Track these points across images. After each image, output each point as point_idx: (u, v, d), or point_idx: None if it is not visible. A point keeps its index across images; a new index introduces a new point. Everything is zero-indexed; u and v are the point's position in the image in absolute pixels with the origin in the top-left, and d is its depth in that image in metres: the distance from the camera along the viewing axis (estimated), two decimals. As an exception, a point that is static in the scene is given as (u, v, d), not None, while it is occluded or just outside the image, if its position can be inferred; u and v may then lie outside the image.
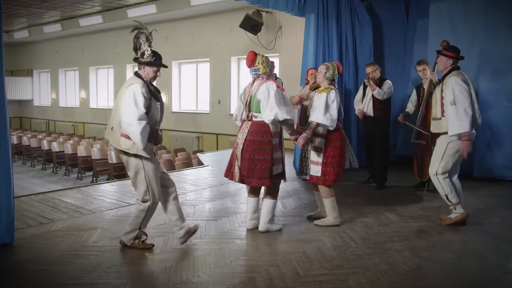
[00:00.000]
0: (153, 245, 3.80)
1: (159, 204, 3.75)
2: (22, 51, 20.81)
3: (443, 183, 4.36)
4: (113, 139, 3.61)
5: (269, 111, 3.90)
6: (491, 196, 5.74)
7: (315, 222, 4.48)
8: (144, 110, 3.44)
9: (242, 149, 4.02)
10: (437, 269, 3.39)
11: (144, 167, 3.58)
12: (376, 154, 6.13)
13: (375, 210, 5.00)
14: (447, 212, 4.54)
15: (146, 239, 3.80)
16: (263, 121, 3.98)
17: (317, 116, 4.21)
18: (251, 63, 4.08)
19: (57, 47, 18.87)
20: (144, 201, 3.65)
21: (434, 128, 4.56)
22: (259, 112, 4.00)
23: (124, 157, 3.64)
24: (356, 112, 6.30)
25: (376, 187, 6.17)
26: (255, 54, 4.11)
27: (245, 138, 4.02)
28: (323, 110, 4.20)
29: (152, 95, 3.57)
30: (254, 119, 4.04)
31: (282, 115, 3.89)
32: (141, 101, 3.43)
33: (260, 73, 4.08)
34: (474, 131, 4.36)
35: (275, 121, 3.95)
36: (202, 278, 3.17)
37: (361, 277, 3.21)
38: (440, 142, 4.43)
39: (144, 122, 3.41)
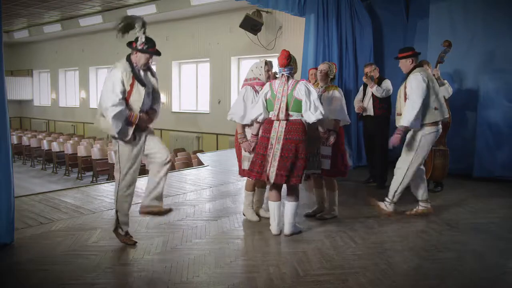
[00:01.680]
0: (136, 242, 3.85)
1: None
2: (22, 51, 20.80)
3: (406, 179, 4.48)
4: (96, 118, 3.67)
5: (314, 111, 3.90)
6: (491, 196, 5.73)
7: (318, 216, 4.62)
8: (120, 96, 3.47)
9: (282, 148, 3.90)
10: (437, 269, 3.39)
11: (119, 150, 3.65)
12: (376, 153, 6.13)
13: (375, 210, 4.99)
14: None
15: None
16: (299, 119, 3.94)
17: (345, 116, 4.51)
18: (287, 62, 3.99)
19: (57, 47, 18.88)
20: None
21: (398, 123, 4.62)
22: (297, 112, 3.94)
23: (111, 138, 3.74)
24: (356, 109, 6.28)
25: (376, 187, 6.16)
26: (289, 53, 4.04)
27: (283, 138, 3.90)
28: (344, 110, 4.50)
29: (137, 79, 3.57)
30: (290, 118, 3.95)
31: (325, 114, 3.98)
32: (118, 86, 3.47)
33: (293, 72, 4.09)
34: (440, 126, 4.49)
35: (320, 120, 3.99)
36: (202, 278, 3.17)
37: (361, 277, 3.21)
38: (412, 136, 4.50)
39: (118, 108, 3.44)
